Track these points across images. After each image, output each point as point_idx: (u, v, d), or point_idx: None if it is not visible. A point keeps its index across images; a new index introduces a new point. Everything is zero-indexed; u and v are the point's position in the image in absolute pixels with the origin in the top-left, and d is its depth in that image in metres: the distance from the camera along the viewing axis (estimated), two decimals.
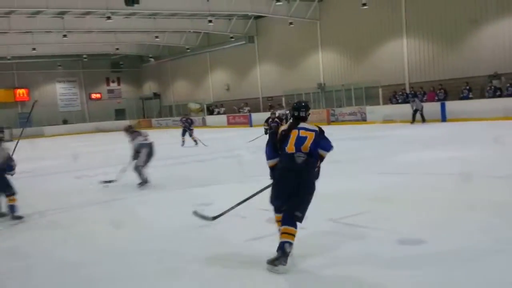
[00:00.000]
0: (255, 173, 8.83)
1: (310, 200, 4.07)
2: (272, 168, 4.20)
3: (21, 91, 37.76)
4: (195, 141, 16.67)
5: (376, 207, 5.80)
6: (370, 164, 9.51)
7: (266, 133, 14.68)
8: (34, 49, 30.84)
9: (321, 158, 4.19)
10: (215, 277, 3.97)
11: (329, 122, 23.74)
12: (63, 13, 24.77)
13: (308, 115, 4.26)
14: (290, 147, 4.05)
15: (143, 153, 8.06)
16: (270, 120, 14.80)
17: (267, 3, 24.81)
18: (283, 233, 3.95)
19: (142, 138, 8.21)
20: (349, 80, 24.50)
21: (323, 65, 26.40)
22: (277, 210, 4.17)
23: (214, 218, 4.91)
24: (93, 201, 7.54)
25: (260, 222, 5.39)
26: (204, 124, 31.37)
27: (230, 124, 29.82)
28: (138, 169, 8.14)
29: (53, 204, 7.46)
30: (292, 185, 4.00)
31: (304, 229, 4.93)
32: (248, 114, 29.00)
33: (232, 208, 4.73)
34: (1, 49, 31.35)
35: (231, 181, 8.40)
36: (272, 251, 4.42)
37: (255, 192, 4.64)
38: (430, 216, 5.29)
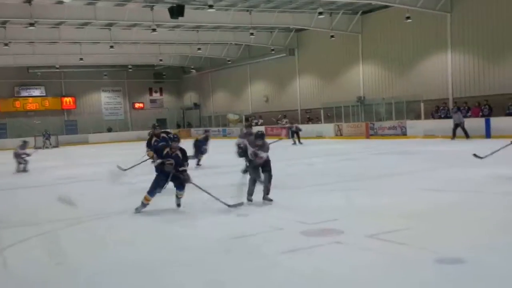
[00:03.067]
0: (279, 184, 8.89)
1: None
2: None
3: (68, 99, 39.19)
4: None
5: (415, 224, 5.69)
6: (409, 180, 9.34)
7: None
8: (81, 59, 32.02)
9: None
10: None
11: (368, 136, 23.45)
12: (110, 24, 25.68)
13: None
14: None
15: None
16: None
17: (309, 16, 24.91)
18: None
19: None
20: (389, 94, 24.16)
21: (364, 78, 26.17)
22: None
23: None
24: (130, 208, 7.68)
25: (296, 234, 5.42)
26: None
27: (268, 135, 29.86)
28: None
29: (89, 211, 7.65)
30: None
31: (341, 244, 4.94)
32: (286, 126, 29.01)
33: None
34: (50, 58, 32.75)
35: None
36: (307, 262, 4.44)
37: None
38: (471, 236, 5.14)
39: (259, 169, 7.47)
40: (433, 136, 20.05)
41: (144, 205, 7.18)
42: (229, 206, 6.30)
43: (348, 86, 26.73)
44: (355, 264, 4.36)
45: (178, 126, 41.08)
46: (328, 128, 25.81)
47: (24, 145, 15.35)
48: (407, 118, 22.52)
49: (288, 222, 6.06)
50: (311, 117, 29.13)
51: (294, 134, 22.24)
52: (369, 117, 24.95)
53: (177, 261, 4.81)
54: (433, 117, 21.62)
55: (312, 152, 8.81)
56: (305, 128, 26.22)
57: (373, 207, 6.79)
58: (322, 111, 27.53)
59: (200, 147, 13.83)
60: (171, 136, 8.64)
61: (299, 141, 21.75)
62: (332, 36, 25.58)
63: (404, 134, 21.92)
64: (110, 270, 4.61)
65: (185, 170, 7.22)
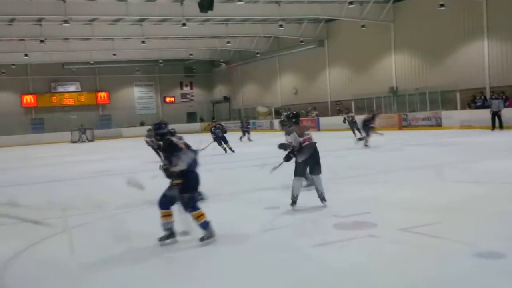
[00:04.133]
0: None
1: None
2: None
3: (102, 94, 40.12)
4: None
5: (451, 217, 5.55)
6: (445, 171, 9.11)
7: (214, 140, 15.89)
8: (114, 54, 32.68)
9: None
10: (282, 281, 3.99)
11: (401, 127, 23.02)
12: (141, 20, 26.06)
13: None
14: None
15: None
16: (213, 127, 16.01)
17: (338, 6, 24.56)
18: None
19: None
20: (423, 84, 23.61)
21: (396, 68, 25.66)
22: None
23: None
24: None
25: (328, 227, 5.38)
26: (271, 128, 31.53)
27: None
28: None
29: (117, 202, 7.73)
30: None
31: (375, 237, 4.87)
32: (316, 118, 28.79)
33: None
34: (84, 54, 33.53)
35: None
36: (340, 256, 4.39)
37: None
38: (507, 229, 4.98)
39: (303, 165, 6.42)
40: (470, 127, 19.51)
41: (165, 226, 5.15)
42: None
43: (380, 76, 26.26)
44: (389, 257, 4.29)
45: (202, 120, 41.00)
46: (359, 120, 25.40)
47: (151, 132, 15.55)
48: (442, 108, 21.96)
49: (320, 215, 6.02)
50: (341, 109, 28.81)
51: (354, 126, 18.97)
52: (402, 108, 24.47)
53: (209, 251, 4.84)
54: (470, 107, 21.00)
55: (343, 144, 8.71)
56: (335, 120, 25.99)
57: (406, 199, 6.67)
58: (353, 102, 27.16)
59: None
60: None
61: (360, 132, 17.30)
62: (363, 26, 25.16)
63: (439, 125, 21.40)
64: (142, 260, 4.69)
65: (173, 172, 5.12)
